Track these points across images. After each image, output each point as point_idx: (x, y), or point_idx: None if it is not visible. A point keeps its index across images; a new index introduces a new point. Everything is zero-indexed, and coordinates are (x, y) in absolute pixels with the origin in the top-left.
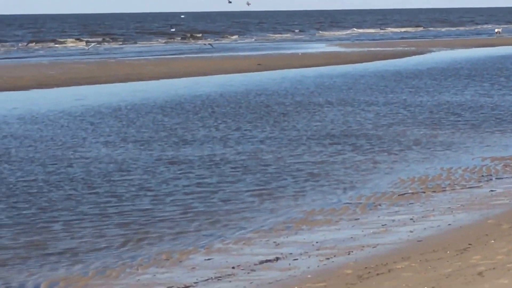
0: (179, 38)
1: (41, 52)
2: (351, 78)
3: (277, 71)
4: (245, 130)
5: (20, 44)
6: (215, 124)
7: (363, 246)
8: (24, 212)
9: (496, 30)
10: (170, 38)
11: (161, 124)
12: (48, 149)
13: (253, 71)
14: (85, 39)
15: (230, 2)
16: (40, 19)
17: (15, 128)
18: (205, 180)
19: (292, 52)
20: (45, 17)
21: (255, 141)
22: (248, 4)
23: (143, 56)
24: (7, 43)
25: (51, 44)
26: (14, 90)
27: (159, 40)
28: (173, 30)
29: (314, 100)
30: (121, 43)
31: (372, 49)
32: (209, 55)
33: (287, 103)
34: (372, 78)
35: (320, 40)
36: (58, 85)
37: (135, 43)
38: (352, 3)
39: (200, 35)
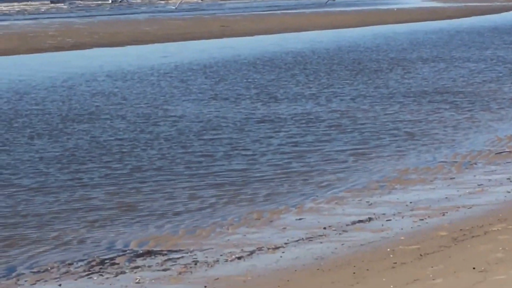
0: None
1: (143, 8)
2: (447, 34)
3: (370, 27)
4: (338, 87)
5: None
6: (307, 81)
7: (458, 207)
8: (116, 172)
9: None
10: None
11: (252, 81)
12: (138, 107)
13: (347, 27)
14: None
15: None
16: None
17: (105, 85)
18: (298, 139)
19: (387, 7)
20: None
21: (349, 98)
22: None
23: (239, 12)
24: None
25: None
26: (109, 46)
27: None
28: None
29: (408, 56)
30: None
31: (470, 4)
32: (303, 11)
33: (380, 60)
34: (468, 34)
35: None
36: (153, 41)
37: None
38: None
39: None
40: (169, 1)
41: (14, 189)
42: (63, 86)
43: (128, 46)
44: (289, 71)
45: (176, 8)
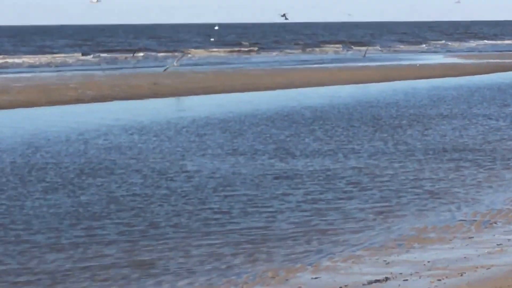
0: (310, 49)
1: (169, 61)
2: (467, 91)
3: (392, 82)
4: (357, 143)
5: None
6: (325, 137)
7: (477, 267)
8: (131, 228)
9: None
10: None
11: (269, 137)
12: (154, 161)
13: (367, 82)
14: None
15: (284, 17)
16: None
17: (122, 139)
18: (316, 196)
19: (409, 63)
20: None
21: (367, 155)
22: (284, 17)
23: (262, 66)
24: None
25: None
26: (130, 99)
27: (286, 50)
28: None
29: (428, 112)
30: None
31: (491, 61)
32: (326, 65)
33: (400, 116)
34: (489, 91)
35: (439, 52)
36: (173, 95)
37: (259, 53)
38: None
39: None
40: (191, 54)
41: (26, 246)
42: (79, 140)
43: (148, 99)
44: (307, 126)
45: (176, 64)
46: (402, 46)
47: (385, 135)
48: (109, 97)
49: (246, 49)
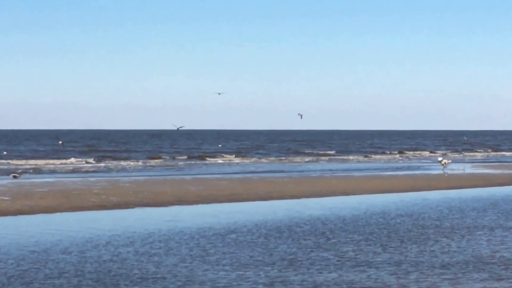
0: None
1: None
2: (502, 201)
3: (419, 192)
4: (387, 254)
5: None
6: (344, 252)
7: None
8: None
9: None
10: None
11: (278, 251)
12: (177, 272)
13: (395, 191)
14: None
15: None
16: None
17: (137, 248)
18: None
19: (437, 172)
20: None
21: (397, 269)
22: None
23: (289, 174)
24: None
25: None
26: (153, 206)
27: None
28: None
29: (455, 224)
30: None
31: None
32: (353, 174)
33: (428, 226)
34: None
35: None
36: (197, 202)
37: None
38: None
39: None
40: (225, 160)
41: None
42: (93, 248)
43: (172, 207)
44: (322, 238)
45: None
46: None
47: (417, 247)
48: (132, 203)
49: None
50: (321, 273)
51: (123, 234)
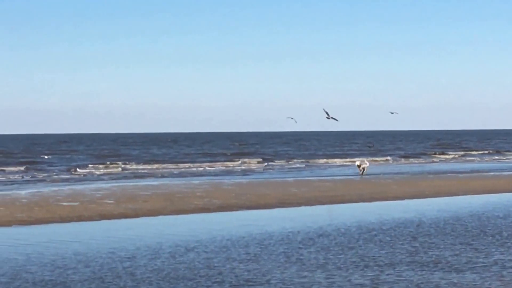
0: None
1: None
2: None
3: None
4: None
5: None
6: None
7: None
8: None
9: None
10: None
11: (371, 256)
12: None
13: (500, 192)
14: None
15: (331, 118)
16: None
17: (234, 254)
18: None
19: None
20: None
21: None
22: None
23: (391, 175)
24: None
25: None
26: (256, 208)
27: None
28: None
29: None
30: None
31: None
32: (456, 174)
33: None
34: None
35: None
36: (299, 204)
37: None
38: None
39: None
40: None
41: None
42: (189, 251)
43: (275, 209)
44: (432, 238)
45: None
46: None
47: None
48: (235, 206)
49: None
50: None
51: (227, 236)
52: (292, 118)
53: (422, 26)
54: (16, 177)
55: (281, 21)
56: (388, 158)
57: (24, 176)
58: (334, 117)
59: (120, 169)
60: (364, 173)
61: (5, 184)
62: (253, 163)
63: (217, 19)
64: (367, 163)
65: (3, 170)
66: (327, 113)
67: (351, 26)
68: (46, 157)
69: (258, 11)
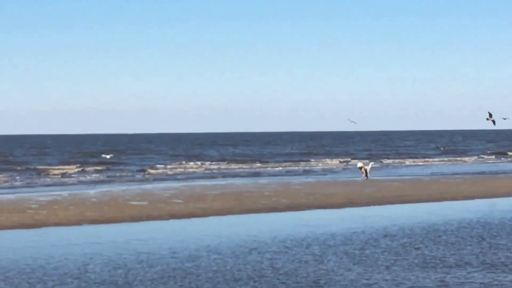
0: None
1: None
2: None
3: None
4: None
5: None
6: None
7: None
8: None
9: None
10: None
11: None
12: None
13: None
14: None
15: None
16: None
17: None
18: None
19: None
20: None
21: None
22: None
23: (458, 174)
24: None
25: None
26: (324, 207)
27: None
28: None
29: None
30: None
31: None
32: None
33: None
34: None
35: None
36: (369, 204)
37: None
38: None
39: None
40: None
41: None
42: (250, 252)
43: (343, 208)
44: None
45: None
46: None
47: None
48: (303, 205)
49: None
50: None
51: (297, 235)
52: (352, 121)
53: None
54: (88, 177)
55: None
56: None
57: (100, 176)
58: (354, 121)
59: (202, 168)
60: (368, 176)
61: (74, 184)
62: (334, 163)
63: None
64: (370, 165)
65: (84, 170)
66: (490, 115)
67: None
68: (107, 156)
69: None
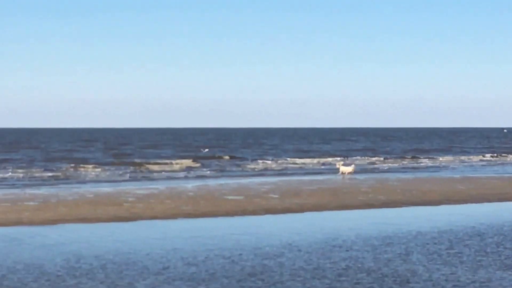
0: None
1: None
2: None
3: None
4: None
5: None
6: None
7: None
8: None
9: None
10: None
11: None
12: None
13: None
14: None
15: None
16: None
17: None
18: None
19: None
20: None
21: None
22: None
23: None
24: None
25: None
26: (420, 205)
27: None
28: None
29: None
30: None
31: None
32: None
33: None
34: None
35: None
36: (465, 201)
37: None
38: None
39: None
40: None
41: None
42: (342, 250)
43: (439, 206)
44: None
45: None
46: None
47: None
48: (399, 202)
49: None
50: None
51: (393, 233)
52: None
53: None
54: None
55: None
56: None
57: (199, 170)
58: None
59: (310, 165)
60: (345, 177)
61: (171, 179)
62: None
63: None
64: (351, 168)
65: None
66: None
67: None
68: (205, 150)
69: None
